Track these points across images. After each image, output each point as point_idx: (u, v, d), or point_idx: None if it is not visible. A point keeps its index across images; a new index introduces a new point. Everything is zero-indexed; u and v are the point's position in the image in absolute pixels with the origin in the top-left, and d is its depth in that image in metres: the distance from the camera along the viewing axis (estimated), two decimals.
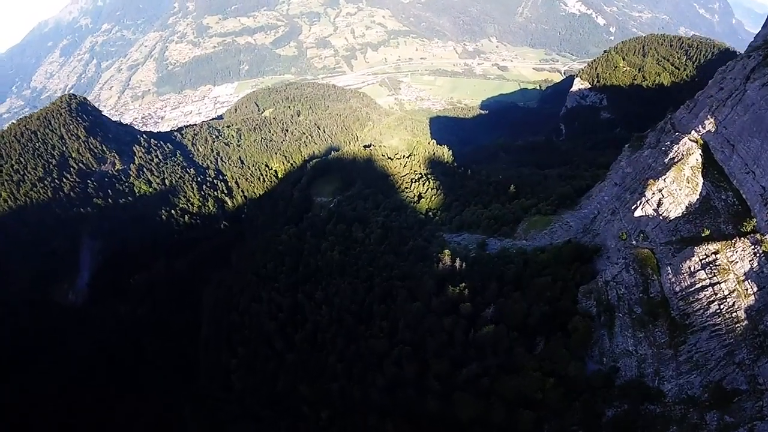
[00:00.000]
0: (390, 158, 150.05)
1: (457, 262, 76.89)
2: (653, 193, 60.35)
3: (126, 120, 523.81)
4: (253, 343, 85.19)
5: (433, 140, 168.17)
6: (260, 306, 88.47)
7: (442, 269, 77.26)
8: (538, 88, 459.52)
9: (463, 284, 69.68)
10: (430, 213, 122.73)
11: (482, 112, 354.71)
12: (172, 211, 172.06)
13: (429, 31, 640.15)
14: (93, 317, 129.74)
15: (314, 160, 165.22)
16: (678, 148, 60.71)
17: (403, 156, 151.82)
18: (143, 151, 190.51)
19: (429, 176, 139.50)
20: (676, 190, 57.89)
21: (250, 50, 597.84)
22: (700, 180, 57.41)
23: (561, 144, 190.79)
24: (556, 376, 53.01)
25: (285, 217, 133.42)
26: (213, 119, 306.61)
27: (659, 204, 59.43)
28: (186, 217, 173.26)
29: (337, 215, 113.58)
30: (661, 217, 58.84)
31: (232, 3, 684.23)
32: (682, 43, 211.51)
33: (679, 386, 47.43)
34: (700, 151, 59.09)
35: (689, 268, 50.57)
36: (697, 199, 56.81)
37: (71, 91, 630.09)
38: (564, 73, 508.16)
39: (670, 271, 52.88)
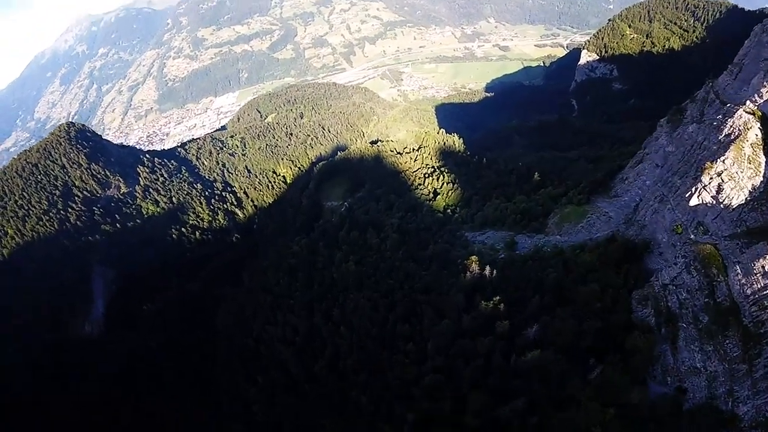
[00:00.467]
0: (399, 153, 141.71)
1: (487, 270, 68.10)
2: (711, 178, 51.92)
3: (132, 140, 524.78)
4: (271, 370, 78.99)
5: (442, 129, 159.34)
6: (275, 329, 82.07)
7: (470, 278, 68.30)
8: (542, 64, 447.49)
9: (497, 297, 61.08)
10: (449, 210, 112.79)
11: (488, 94, 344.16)
12: (183, 229, 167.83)
13: (425, 18, 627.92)
14: (110, 346, 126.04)
15: (321, 163, 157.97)
16: (733, 122, 52.13)
17: (413, 149, 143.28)
18: (147, 171, 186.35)
19: (442, 169, 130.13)
20: (737, 173, 49.55)
21: (248, 57, 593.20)
22: (763, 159, 49.02)
23: (575, 121, 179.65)
24: (615, 406, 45.06)
25: (295, 226, 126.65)
26: (216, 131, 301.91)
27: (719, 190, 51.08)
28: (197, 233, 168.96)
29: (349, 221, 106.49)
30: (722, 206, 50.55)
31: (224, 13, 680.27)
32: (688, 4, 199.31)
33: (756, 408, 39.66)
34: (759, 124, 50.66)
35: (762, 267, 42.53)
36: (761, 182, 48.56)
37: (75, 118, 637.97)
38: (567, 47, 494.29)
39: (739, 271, 44.90)
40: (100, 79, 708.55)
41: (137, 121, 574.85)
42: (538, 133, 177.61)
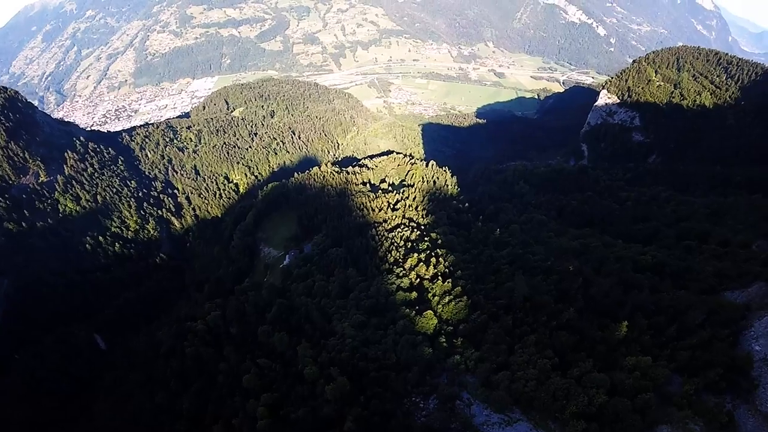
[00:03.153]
0: (374, 188, 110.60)
1: None
2: None
3: (99, 111, 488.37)
4: None
5: (432, 162, 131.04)
6: None
7: None
8: (536, 97, 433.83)
9: None
10: (443, 337, 67.11)
11: (479, 120, 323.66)
12: (101, 238, 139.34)
13: (423, 32, 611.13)
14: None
15: (269, 185, 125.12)
16: None
17: (392, 185, 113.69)
18: (76, 158, 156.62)
19: (433, 234, 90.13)
20: None
21: (234, 43, 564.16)
22: None
23: (599, 175, 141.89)
24: None
25: (218, 272, 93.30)
26: (176, 117, 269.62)
27: None
28: (117, 245, 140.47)
29: (279, 306, 71.56)
30: None
31: None
32: (720, 59, 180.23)
33: None
34: None
35: None
36: None
37: (49, 78, 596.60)
38: (563, 84, 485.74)
39: None
40: (82, 41, 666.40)
41: (109, 92, 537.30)
42: (550, 185, 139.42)
